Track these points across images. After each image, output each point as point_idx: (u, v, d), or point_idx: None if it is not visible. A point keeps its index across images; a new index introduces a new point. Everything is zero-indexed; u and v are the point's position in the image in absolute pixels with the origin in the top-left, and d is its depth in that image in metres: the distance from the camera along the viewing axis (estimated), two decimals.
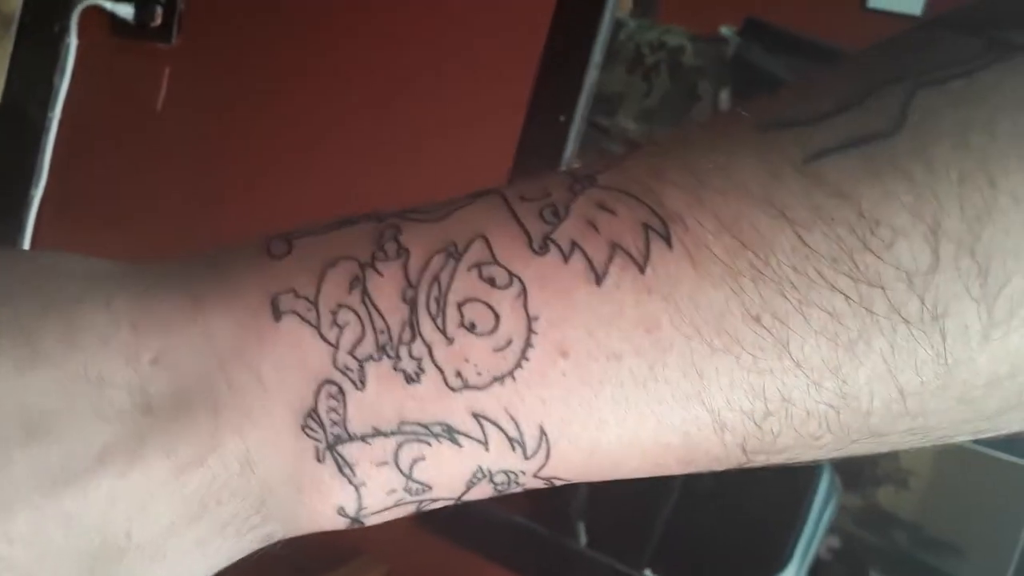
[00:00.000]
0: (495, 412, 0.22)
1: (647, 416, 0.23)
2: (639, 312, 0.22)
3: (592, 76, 1.22)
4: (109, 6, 1.25)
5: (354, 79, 1.23)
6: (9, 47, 1.26)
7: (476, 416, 0.22)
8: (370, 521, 0.24)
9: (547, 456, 0.23)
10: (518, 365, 0.22)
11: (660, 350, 0.22)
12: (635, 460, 0.23)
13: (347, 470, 0.23)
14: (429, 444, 0.23)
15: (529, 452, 0.23)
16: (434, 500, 0.24)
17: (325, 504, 0.23)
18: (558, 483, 0.24)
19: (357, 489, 0.23)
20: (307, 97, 1.24)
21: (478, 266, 0.23)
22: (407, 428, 0.23)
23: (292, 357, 0.23)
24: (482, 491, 0.24)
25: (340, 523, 0.24)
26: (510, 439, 0.23)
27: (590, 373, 0.22)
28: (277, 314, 0.23)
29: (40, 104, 1.26)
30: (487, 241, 0.23)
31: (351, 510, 0.23)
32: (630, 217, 0.23)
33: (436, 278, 0.23)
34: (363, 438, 0.23)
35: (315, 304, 0.23)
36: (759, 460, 0.24)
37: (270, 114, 1.25)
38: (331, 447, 0.23)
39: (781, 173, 0.22)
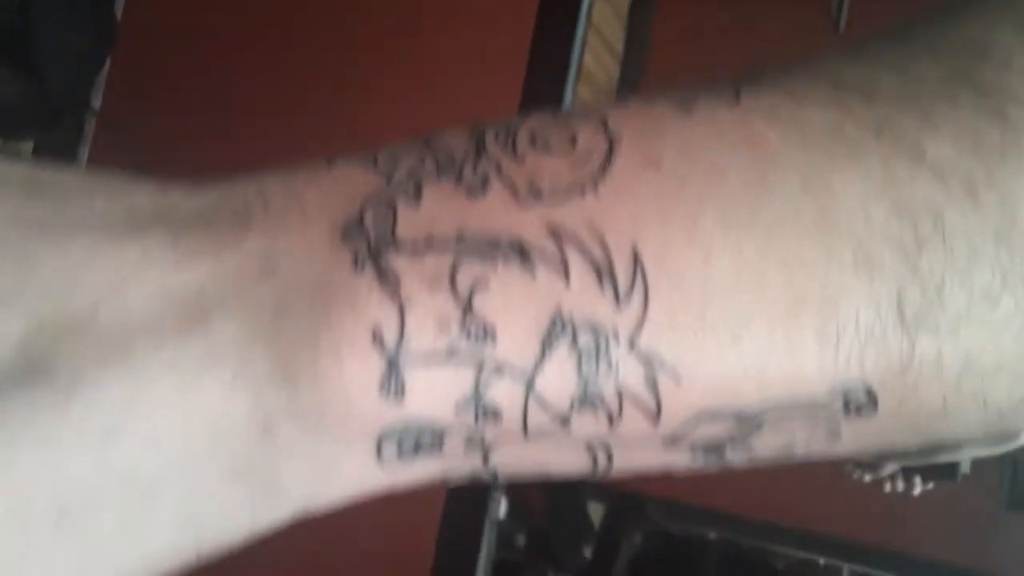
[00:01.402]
0: (576, 226, 0.18)
1: (768, 246, 0.18)
2: (740, 131, 0.19)
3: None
4: None
5: None
6: None
7: (553, 232, 0.18)
8: (413, 381, 0.18)
9: (645, 301, 0.18)
10: (600, 175, 0.19)
11: (771, 162, 0.19)
12: (762, 325, 0.18)
13: (391, 283, 0.18)
14: (494, 265, 0.18)
15: (622, 289, 0.18)
16: (499, 369, 0.18)
17: (357, 321, 0.18)
18: (662, 386, 0.18)
19: (401, 307, 0.18)
20: None
21: (551, 112, 0.21)
22: (468, 239, 0.18)
23: (340, 184, 0.20)
24: (562, 367, 0.18)
25: (372, 363, 0.18)
26: (596, 267, 0.18)
27: (689, 185, 0.19)
28: (331, 162, 0.20)
29: None
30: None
31: (391, 336, 0.18)
32: (712, 86, 0.20)
33: (506, 122, 0.20)
34: (413, 248, 0.18)
35: (374, 154, 0.20)
36: (926, 346, 0.19)
37: None
38: (373, 254, 0.18)
39: (860, 52, 0.21)
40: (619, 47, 2.17)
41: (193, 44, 1.35)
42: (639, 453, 0.20)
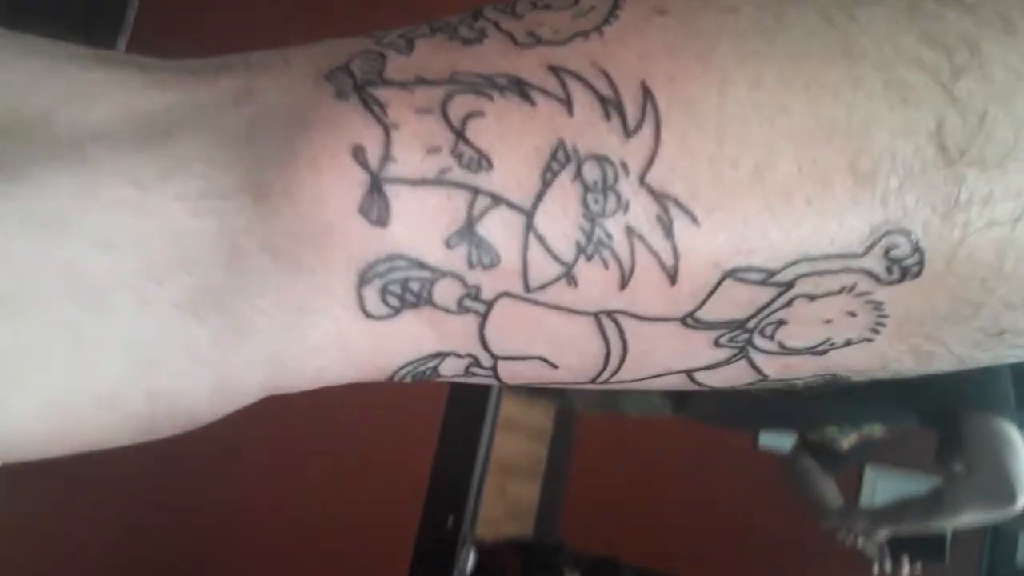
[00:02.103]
0: (578, 64, 0.17)
1: (789, 75, 0.17)
2: None
3: None
4: None
5: None
6: None
7: (554, 69, 0.17)
8: (398, 205, 0.16)
9: (657, 132, 0.16)
10: (606, 22, 0.17)
11: (788, 0, 0.17)
12: (787, 156, 0.16)
13: (376, 108, 0.17)
14: (491, 97, 0.17)
15: (631, 121, 0.16)
16: (495, 199, 0.16)
17: (338, 138, 0.16)
18: (679, 231, 0.17)
19: (386, 128, 0.16)
20: None
21: None
22: (461, 78, 0.17)
23: (329, 44, 0.18)
24: (566, 202, 0.16)
25: (353, 180, 0.16)
26: (602, 99, 0.17)
27: (700, 26, 0.17)
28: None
29: None
30: None
31: (374, 154, 0.16)
32: None
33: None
34: (403, 84, 0.17)
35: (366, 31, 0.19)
36: (974, 182, 0.17)
37: None
38: (359, 88, 0.17)
39: None
40: None
41: None
42: (656, 338, 0.18)
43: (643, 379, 0.19)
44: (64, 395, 0.16)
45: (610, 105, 0.16)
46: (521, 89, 0.17)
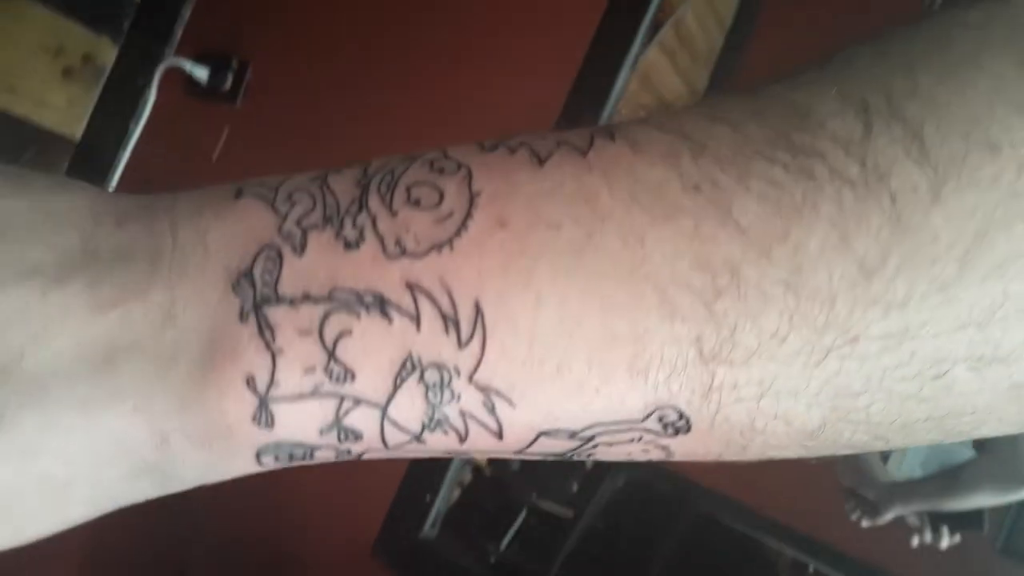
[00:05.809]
0: (430, 282, 0.22)
1: (589, 294, 0.22)
2: (578, 185, 0.22)
3: None
4: (188, 67, 1.42)
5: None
6: (97, 92, 1.43)
7: (410, 286, 0.22)
8: (281, 414, 0.22)
9: (483, 345, 0.22)
10: (457, 234, 0.22)
11: (599, 218, 0.22)
12: (581, 359, 0.22)
13: (267, 333, 0.22)
14: (358, 316, 0.22)
15: (464, 335, 0.22)
16: (357, 401, 0.22)
17: (236, 369, 0.22)
18: (500, 410, 0.22)
19: (274, 357, 0.22)
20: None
21: (431, 160, 0.24)
22: (338, 295, 0.22)
23: (240, 225, 0.23)
24: (412, 397, 0.22)
25: (247, 401, 0.22)
26: (443, 315, 0.22)
27: (528, 243, 0.22)
28: (239, 194, 0.24)
29: (113, 145, 1.43)
30: (443, 150, 0.24)
31: (262, 383, 0.22)
32: (578, 132, 0.24)
33: (391, 169, 0.24)
34: (291, 301, 0.22)
35: (276, 188, 0.24)
36: (723, 375, 0.22)
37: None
38: (257, 307, 0.22)
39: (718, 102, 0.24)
40: (727, 18, 2.19)
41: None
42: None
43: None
44: (47, 527, 0.23)
45: (449, 322, 0.22)
46: (383, 308, 0.22)
